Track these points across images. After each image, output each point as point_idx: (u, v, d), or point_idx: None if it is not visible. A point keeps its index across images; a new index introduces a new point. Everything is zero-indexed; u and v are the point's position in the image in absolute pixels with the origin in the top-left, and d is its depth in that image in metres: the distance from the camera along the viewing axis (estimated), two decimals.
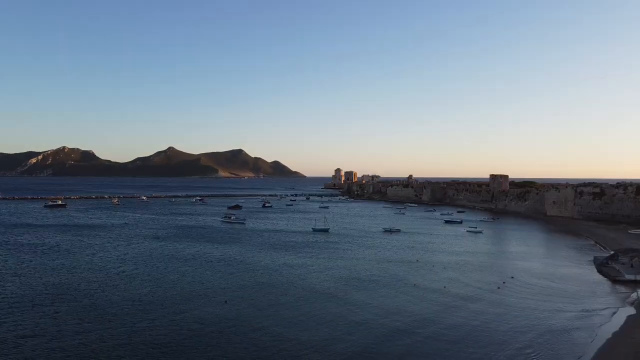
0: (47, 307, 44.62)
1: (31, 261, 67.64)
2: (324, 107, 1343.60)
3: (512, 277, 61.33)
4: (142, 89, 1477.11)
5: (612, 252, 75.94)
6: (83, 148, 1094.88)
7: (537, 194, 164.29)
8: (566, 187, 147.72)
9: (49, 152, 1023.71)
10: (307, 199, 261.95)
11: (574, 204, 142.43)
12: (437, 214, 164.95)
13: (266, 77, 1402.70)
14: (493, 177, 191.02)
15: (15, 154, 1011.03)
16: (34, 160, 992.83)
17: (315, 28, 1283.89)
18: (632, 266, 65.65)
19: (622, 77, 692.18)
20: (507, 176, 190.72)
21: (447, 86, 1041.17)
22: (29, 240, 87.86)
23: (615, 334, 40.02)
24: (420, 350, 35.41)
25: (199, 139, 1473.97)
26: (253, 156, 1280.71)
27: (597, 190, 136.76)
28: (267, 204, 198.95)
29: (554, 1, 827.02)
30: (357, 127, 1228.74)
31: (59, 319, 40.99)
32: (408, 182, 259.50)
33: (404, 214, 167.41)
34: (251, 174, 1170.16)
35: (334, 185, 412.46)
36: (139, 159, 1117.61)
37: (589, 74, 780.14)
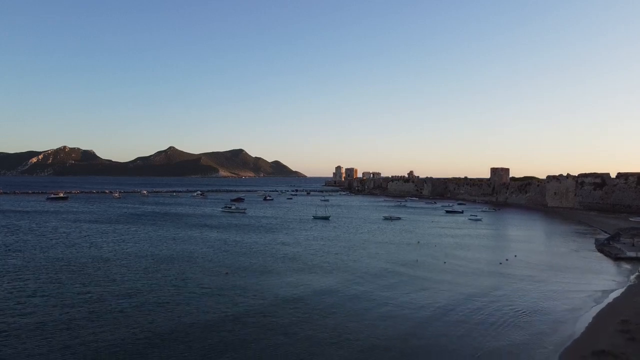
0: (50, 274, 44.78)
1: (30, 241, 67.70)
2: (325, 107, 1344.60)
3: (516, 256, 61.13)
4: (143, 89, 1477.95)
5: (613, 233, 75.78)
6: (84, 147, 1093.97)
7: (538, 185, 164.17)
8: (567, 177, 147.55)
9: (49, 151, 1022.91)
10: (308, 194, 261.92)
11: (575, 194, 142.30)
12: (438, 205, 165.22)
13: (266, 77, 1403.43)
14: (494, 170, 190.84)
15: (16, 154, 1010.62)
16: (34, 159, 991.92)
17: (315, 28, 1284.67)
18: (633, 245, 65.61)
19: (623, 76, 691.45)
20: (507, 169, 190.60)
21: (448, 85, 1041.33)
22: (30, 225, 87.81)
23: (616, 299, 39.99)
24: (414, 323, 35.39)
25: (199, 139, 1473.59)
26: (253, 156, 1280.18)
27: (598, 180, 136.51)
28: (268, 198, 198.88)
29: (554, 1, 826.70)
30: (358, 127, 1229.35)
31: (61, 283, 41.13)
32: (409, 177, 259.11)
33: (405, 205, 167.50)
34: (251, 174, 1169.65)
35: (335, 182, 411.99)
36: (139, 158, 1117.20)
37: (590, 73, 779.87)
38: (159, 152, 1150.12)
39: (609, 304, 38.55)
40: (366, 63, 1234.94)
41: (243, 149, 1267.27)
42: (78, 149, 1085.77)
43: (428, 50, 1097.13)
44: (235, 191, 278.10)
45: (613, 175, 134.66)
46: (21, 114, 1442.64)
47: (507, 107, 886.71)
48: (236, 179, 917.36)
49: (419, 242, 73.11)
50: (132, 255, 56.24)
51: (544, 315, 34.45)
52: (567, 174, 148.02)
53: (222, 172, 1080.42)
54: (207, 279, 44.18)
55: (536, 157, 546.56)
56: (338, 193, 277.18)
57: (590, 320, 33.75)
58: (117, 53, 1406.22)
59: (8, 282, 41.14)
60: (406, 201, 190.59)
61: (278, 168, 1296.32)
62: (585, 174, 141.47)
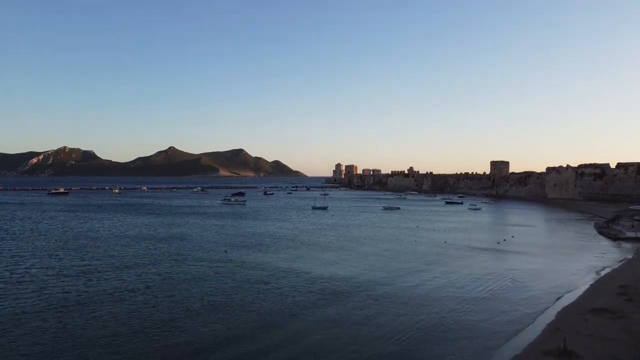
0: (49, 250, 44.96)
1: (27, 226, 67.63)
2: (325, 106, 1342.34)
3: (513, 237, 61.28)
4: (143, 89, 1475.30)
5: (613, 216, 75.71)
6: (84, 148, 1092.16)
7: (537, 177, 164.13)
8: (567, 169, 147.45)
9: (49, 152, 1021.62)
10: (308, 189, 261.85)
11: (575, 185, 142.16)
12: (437, 198, 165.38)
13: (266, 76, 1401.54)
14: (494, 163, 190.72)
15: (16, 154, 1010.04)
16: (34, 160, 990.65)
17: (314, 27, 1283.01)
18: (632, 226, 65.59)
19: (623, 73, 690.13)
20: (507, 162, 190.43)
21: (447, 83, 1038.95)
22: (30, 215, 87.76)
23: (615, 270, 40.02)
24: (411, 294, 35.35)
25: (199, 139, 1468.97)
26: (254, 156, 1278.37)
27: (598, 171, 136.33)
28: (268, 192, 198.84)
29: (552, 1, 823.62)
30: (358, 126, 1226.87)
31: (59, 258, 41.29)
32: (409, 173, 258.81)
33: (405, 198, 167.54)
34: (252, 174, 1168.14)
35: (335, 180, 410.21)
36: (139, 158, 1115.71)
37: (588, 70, 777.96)
38: (159, 152, 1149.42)
39: (607, 274, 38.56)
40: (365, 62, 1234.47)
41: (243, 148, 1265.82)
42: (78, 149, 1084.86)
43: (427, 49, 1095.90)
44: (236, 187, 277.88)
45: (613, 166, 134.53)
46: (21, 114, 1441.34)
47: (506, 104, 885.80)
48: (236, 178, 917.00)
49: (417, 226, 73.12)
50: (131, 237, 56.26)
51: (543, 283, 34.46)
52: (567, 165, 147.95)
53: (223, 172, 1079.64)
54: (206, 254, 44.22)
55: (536, 157, 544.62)
56: (338, 189, 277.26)
57: (588, 287, 33.76)
58: (117, 53, 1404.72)
59: (7, 258, 41.08)
60: (406, 195, 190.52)
61: (278, 168, 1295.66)
62: (585, 164, 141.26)
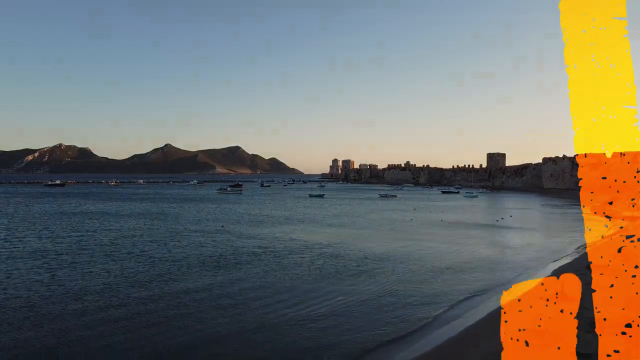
0: (43, 225, 44.71)
1: (21, 210, 67.21)
2: (322, 103, 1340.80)
3: (511, 216, 61.34)
4: (139, 86, 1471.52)
5: None
6: (80, 145, 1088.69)
7: (534, 168, 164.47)
8: (563, 159, 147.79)
9: (45, 149, 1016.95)
10: (305, 183, 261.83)
11: (571, 175, 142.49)
12: (434, 189, 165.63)
13: (263, 74, 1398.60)
14: (490, 155, 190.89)
15: (12, 152, 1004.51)
16: (30, 157, 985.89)
17: (311, 25, 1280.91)
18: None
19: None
20: (504, 154, 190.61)
21: (445, 79, 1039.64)
22: (25, 201, 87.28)
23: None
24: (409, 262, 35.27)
25: (196, 136, 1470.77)
26: (250, 153, 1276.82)
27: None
28: (265, 184, 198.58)
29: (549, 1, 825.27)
30: (355, 123, 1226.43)
31: (55, 230, 41.06)
32: (406, 166, 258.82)
33: (402, 189, 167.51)
34: (248, 171, 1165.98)
35: (332, 175, 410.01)
36: (135, 156, 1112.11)
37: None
38: (156, 150, 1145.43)
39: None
40: (363, 60, 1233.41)
41: (240, 146, 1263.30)
42: (74, 146, 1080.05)
43: (424, 45, 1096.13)
44: (233, 181, 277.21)
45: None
46: (16, 111, 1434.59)
47: (504, 99, 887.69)
48: (233, 175, 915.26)
49: (414, 209, 73.09)
50: (127, 215, 56.03)
51: (542, 251, 34.42)
52: (563, 155, 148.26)
53: (219, 169, 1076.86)
54: (203, 228, 44.06)
55: (533, 151, 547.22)
56: (335, 182, 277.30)
57: (584, 252, 33.74)
58: (114, 49, 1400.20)
59: (9, 241, 40.74)
60: (402, 187, 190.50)
61: (275, 165, 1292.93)
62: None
